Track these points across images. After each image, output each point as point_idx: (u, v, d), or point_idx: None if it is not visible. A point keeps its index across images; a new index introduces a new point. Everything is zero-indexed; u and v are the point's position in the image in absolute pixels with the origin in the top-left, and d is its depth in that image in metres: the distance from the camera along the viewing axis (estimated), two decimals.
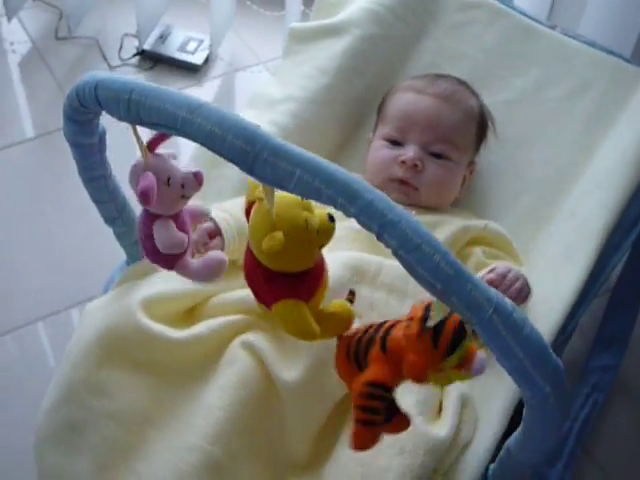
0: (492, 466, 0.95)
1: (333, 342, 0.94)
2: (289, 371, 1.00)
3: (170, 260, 0.85)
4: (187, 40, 2.06)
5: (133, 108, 0.71)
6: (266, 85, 1.38)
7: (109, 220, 1.02)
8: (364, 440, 0.78)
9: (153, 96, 0.70)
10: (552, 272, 1.18)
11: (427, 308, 0.71)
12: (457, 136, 1.26)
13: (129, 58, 2.01)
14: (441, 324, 0.70)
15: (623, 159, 1.25)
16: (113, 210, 0.98)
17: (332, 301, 0.85)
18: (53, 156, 1.81)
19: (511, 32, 1.45)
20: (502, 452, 0.89)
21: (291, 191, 0.65)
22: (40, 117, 1.94)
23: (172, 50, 2.03)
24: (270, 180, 0.66)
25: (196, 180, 0.81)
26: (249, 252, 0.82)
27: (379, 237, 0.64)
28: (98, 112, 0.80)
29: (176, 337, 1.03)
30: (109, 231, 1.04)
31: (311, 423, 1.02)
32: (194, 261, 0.87)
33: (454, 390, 1.06)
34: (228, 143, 0.66)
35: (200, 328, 1.04)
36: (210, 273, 0.86)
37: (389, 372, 0.75)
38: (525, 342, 0.65)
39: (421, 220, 1.17)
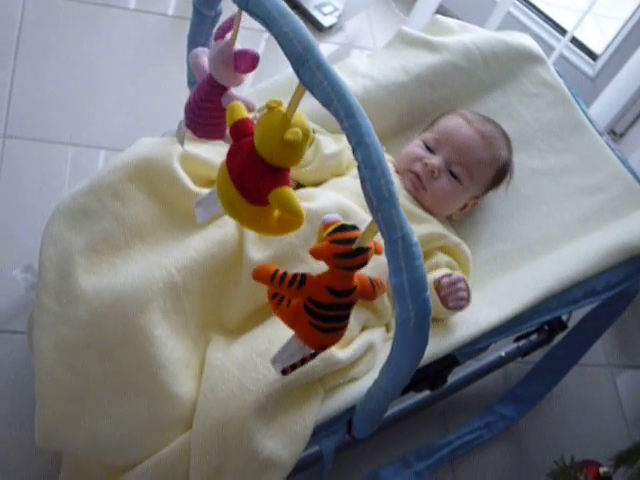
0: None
1: (297, 247, 1.18)
2: (257, 253, 1.20)
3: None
4: (327, 2, 2.27)
5: None
6: (357, 59, 1.57)
7: (190, 83, 1.24)
8: None
9: None
10: (491, 300, 1.37)
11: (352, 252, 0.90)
12: (475, 169, 1.45)
13: None
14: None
15: (593, 252, 1.42)
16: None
17: None
18: (174, 40, 1.99)
19: (566, 118, 1.64)
20: (371, 385, 1.04)
21: (315, 95, 0.84)
22: (185, 2, 2.11)
23: (311, 4, 2.25)
24: (306, 82, 0.85)
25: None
26: (246, 153, 0.93)
27: (353, 151, 0.83)
28: None
29: (191, 188, 1.24)
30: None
31: (253, 302, 1.21)
32: None
33: (367, 335, 1.26)
34: (292, 45, 0.85)
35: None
36: None
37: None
38: (412, 270, 0.80)
39: (416, 213, 1.40)
